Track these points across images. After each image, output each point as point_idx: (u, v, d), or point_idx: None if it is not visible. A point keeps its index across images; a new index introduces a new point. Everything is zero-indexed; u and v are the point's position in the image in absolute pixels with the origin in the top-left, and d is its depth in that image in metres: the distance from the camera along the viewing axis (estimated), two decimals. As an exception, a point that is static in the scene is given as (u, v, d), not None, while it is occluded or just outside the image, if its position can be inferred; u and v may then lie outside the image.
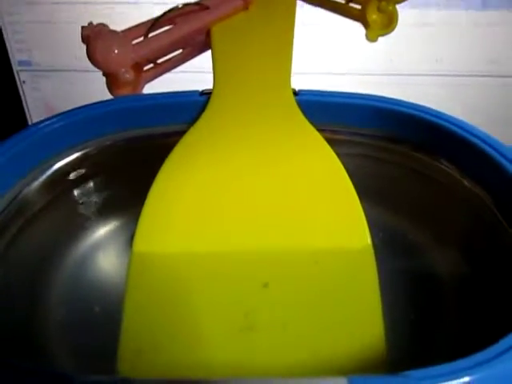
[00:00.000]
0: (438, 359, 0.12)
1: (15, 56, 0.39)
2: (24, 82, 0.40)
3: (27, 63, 0.40)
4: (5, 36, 0.39)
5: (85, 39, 0.19)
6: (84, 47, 0.19)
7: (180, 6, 0.20)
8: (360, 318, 0.16)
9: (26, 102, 0.41)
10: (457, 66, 0.38)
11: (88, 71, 0.38)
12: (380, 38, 0.22)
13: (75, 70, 0.39)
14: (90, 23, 0.19)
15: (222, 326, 0.15)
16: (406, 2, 0.21)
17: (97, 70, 0.19)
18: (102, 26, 0.19)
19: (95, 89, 0.39)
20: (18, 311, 0.18)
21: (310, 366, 0.15)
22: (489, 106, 0.39)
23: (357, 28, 0.22)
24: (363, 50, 0.37)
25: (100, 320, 0.19)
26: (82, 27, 0.19)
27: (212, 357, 0.15)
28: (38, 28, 0.38)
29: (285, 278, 0.16)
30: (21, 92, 0.41)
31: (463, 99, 0.39)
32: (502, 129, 0.40)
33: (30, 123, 0.42)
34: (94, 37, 0.18)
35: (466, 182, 0.20)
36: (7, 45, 0.39)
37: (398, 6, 0.22)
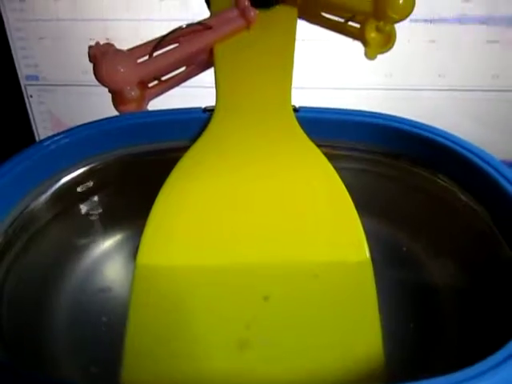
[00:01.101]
0: (437, 371, 0.13)
1: (23, 71, 0.40)
2: (31, 96, 0.41)
3: (34, 78, 0.40)
4: (13, 51, 0.39)
5: (92, 58, 0.19)
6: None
7: (184, 25, 0.21)
8: (359, 331, 0.16)
9: (32, 116, 0.42)
10: (459, 81, 0.39)
11: (94, 86, 0.38)
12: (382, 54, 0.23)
13: (82, 85, 0.40)
14: (97, 43, 0.20)
15: (223, 338, 0.15)
16: (408, 18, 0.22)
17: (103, 85, 0.19)
18: (109, 45, 0.20)
19: (101, 103, 0.39)
20: (26, 322, 0.18)
21: (309, 379, 0.15)
22: (492, 120, 0.40)
23: (356, 43, 0.23)
24: (364, 64, 0.38)
25: (105, 331, 0.19)
26: (89, 46, 0.19)
27: (213, 368, 0.15)
28: (46, 43, 0.39)
29: (285, 291, 0.17)
30: (28, 106, 0.41)
31: (466, 114, 0.40)
32: (506, 143, 0.40)
33: (36, 137, 0.43)
34: (101, 56, 0.19)
35: (463, 197, 0.20)
36: (15, 60, 0.40)
37: (401, 22, 0.22)
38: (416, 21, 0.36)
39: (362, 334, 0.16)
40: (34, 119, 0.42)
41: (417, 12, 0.20)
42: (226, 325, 0.16)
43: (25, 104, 0.41)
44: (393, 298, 0.20)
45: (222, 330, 0.16)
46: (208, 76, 0.22)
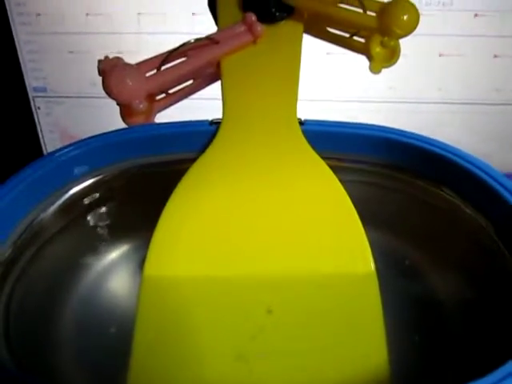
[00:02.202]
0: (443, 383, 0.13)
1: (31, 83, 0.41)
2: (39, 107, 0.41)
3: (43, 89, 0.41)
4: (22, 63, 0.40)
5: (101, 72, 0.19)
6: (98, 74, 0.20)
7: (192, 40, 0.21)
8: (363, 343, 0.16)
9: (40, 128, 0.42)
10: (462, 95, 0.39)
11: (102, 98, 0.39)
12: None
13: (89, 97, 0.40)
14: (106, 57, 0.20)
15: (226, 351, 0.15)
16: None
17: (110, 97, 0.19)
18: (117, 59, 0.20)
19: (109, 115, 0.40)
20: (34, 332, 0.19)
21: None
22: (493, 133, 0.40)
23: (360, 56, 0.23)
24: (367, 77, 0.38)
25: (112, 341, 0.20)
26: (99, 61, 0.20)
27: (219, 382, 0.15)
28: (54, 56, 0.40)
29: (289, 304, 0.17)
30: (36, 118, 0.42)
31: (468, 127, 0.40)
32: (508, 156, 0.41)
33: (44, 149, 0.43)
34: (110, 70, 0.19)
35: (467, 210, 0.20)
36: (23, 72, 0.40)
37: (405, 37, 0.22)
38: (419, 34, 0.37)
39: (368, 346, 0.16)
40: (41, 131, 0.42)
41: (420, 26, 0.21)
42: (230, 338, 0.16)
43: (33, 116, 0.42)
44: (397, 310, 0.20)
45: (226, 343, 0.16)
46: (215, 89, 0.22)
